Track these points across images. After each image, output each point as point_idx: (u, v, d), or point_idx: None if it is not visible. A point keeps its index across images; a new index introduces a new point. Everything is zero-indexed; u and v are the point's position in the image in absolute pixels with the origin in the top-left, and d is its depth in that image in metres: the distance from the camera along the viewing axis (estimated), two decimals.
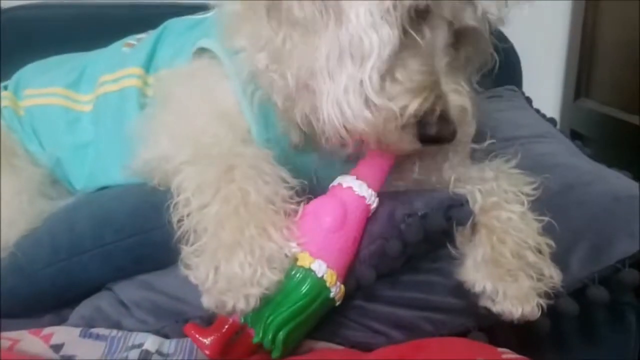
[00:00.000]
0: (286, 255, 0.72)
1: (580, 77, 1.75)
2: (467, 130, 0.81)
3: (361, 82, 0.73)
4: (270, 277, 0.69)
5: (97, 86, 1.11)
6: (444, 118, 0.73)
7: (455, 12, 0.75)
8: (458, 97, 0.77)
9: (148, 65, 1.09)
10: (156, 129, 0.91)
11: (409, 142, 0.75)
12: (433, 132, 0.73)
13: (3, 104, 1.15)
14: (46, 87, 1.15)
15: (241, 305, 0.67)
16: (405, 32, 0.74)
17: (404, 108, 0.73)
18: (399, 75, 0.74)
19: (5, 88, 1.20)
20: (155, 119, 0.93)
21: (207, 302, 0.69)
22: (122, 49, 1.16)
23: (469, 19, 0.76)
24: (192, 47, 0.97)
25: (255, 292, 0.67)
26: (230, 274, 0.68)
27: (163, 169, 0.84)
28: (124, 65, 1.10)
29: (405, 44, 0.75)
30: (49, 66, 1.23)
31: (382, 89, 0.74)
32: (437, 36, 0.76)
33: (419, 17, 0.75)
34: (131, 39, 1.18)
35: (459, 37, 0.80)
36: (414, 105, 0.72)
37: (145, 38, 1.14)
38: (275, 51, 0.79)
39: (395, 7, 0.72)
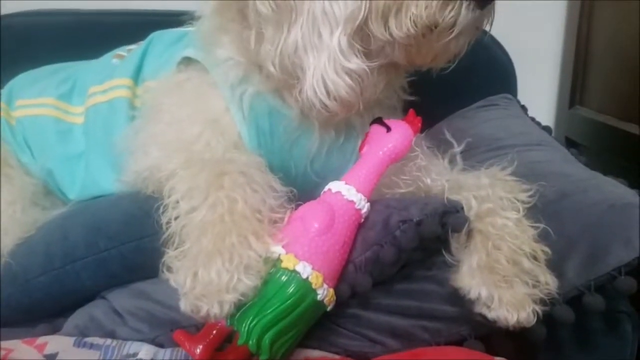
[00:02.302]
0: (267, 259, 0.73)
1: (575, 85, 1.75)
2: None
3: (334, 49, 0.76)
4: (246, 283, 0.69)
5: (87, 97, 1.12)
6: None
7: None
8: None
9: (136, 77, 1.09)
10: (145, 140, 0.92)
11: (465, 11, 0.76)
12: None
13: None
14: (38, 98, 1.15)
15: (215, 310, 0.68)
16: None
17: None
18: None
19: None
20: (144, 130, 0.94)
21: (184, 306, 0.70)
22: (111, 61, 1.16)
23: None
24: (177, 59, 0.99)
25: (230, 298, 0.68)
26: (207, 280, 0.69)
27: (156, 178, 0.85)
28: (113, 76, 1.10)
29: None
30: (41, 76, 1.23)
31: (357, 49, 0.78)
32: None
33: None
34: (121, 50, 1.19)
35: None
36: None
37: (134, 50, 1.15)
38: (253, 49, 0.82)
39: None
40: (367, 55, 0.81)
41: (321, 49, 0.78)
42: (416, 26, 0.78)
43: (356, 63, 0.79)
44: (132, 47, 1.16)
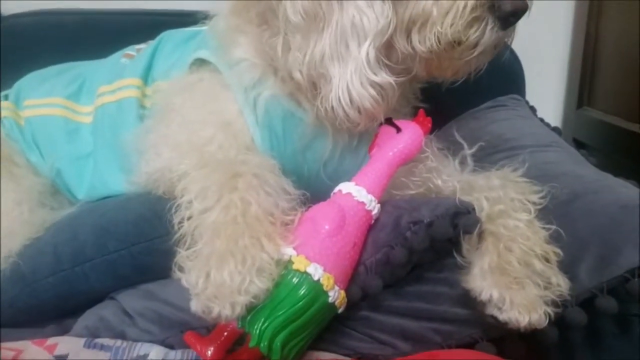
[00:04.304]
0: (279, 261, 0.73)
1: (583, 86, 1.75)
2: None
3: (361, 61, 0.77)
4: (258, 286, 0.69)
5: (96, 97, 1.12)
6: None
7: None
8: None
9: (146, 77, 1.09)
10: (156, 141, 0.92)
11: (489, 32, 0.78)
12: (508, 8, 0.77)
13: (4, 114, 1.15)
14: (46, 98, 1.15)
15: (227, 312, 0.68)
16: None
17: (467, 6, 0.75)
18: None
19: (6, 98, 1.19)
20: (155, 131, 0.94)
21: (195, 306, 0.70)
22: (121, 60, 1.16)
23: None
24: (188, 59, 0.99)
25: (242, 300, 0.68)
26: (219, 282, 0.69)
27: (167, 178, 0.85)
28: (122, 75, 1.10)
29: None
30: (49, 76, 1.23)
31: (386, 63, 0.79)
32: None
33: None
34: (130, 50, 1.19)
35: None
36: None
37: (143, 49, 1.15)
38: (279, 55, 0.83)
39: None
40: (391, 69, 0.81)
41: (348, 59, 0.79)
42: (439, 42, 0.79)
43: (382, 76, 0.80)
44: (141, 46, 1.16)
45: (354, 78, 0.79)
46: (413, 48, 0.81)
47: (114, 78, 1.11)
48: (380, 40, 0.78)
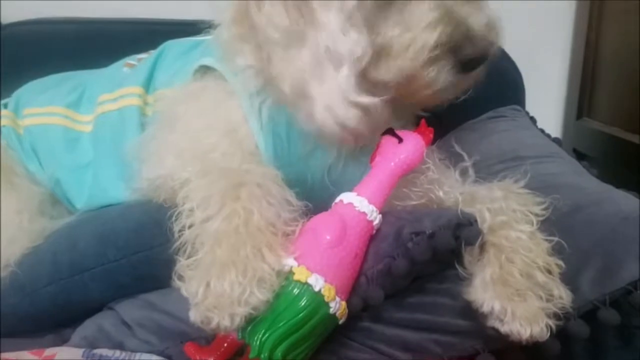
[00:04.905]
0: (280, 272, 0.72)
1: (583, 96, 1.75)
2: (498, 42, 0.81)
3: (341, 85, 0.77)
4: (258, 297, 0.69)
5: (97, 105, 1.12)
6: (471, 38, 0.76)
7: None
8: (478, 16, 0.78)
9: (147, 85, 1.09)
10: (159, 148, 0.92)
11: (446, 73, 0.78)
12: (466, 53, 0.76)
13: (3, 122, 1.15)
14: (46, 106, 1.15)
15: (226, 323, 0.67)
16: None
17: (426, 42, 0.75)
18: (411, 21, 0.76)
19: (5, 106, 1.19)
20: (158, 138, 0.94)
21: (194, 316, 0.69)
22: (122, 69, 1.17)
23: None
24: (192, 67, 0.99)
25: (242, 311, 0.68)
26: (219, 292, 0.68)
27: (169, 186, 0.85)
28: (124, 84, 1.10)
29: None
30: (49, 85, 1.23)
31: (367, 84, 0.79)
32: None
33: None
34: (131, 59, 1.19)
35: None
36: (433, 36, 0.75)
37: (145, 59, 1.15)
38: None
39: (357, 8, 0.75)
40: (372, 90, 0.81)
41: (326, 79, 0.78)
42: (399, 75, 0.79)
43: (364, 97, 0.79)
44: (143, 55, 1.17)
45: (335, 98, 0.78)
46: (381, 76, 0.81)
47: (115, 86, 1.11)
48: (358, 67, 0.78)
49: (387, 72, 0.80)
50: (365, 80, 0.80)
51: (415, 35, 0.76)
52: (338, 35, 0.76)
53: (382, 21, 0.77)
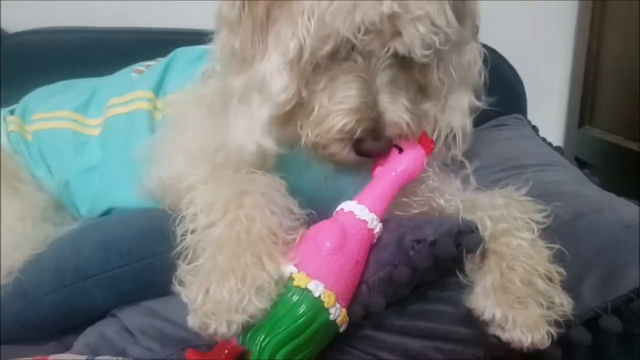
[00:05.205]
0: (279, 280, 0.73)
1: (584, 105, 1.75)
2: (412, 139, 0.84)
3: (256, 120, 0.79)
4: (256, 305, 0.69)
5: (106, 109, 1.13)
6: (376, 135, 0.79)
7: (375, 48, 0.77)
8: (394, 115, 0.80)
9: (157, 90, 1.10)
10: (171, 149, 0.93)
11: (346, 154, 0.81)
12: (364, 147, 0.80)
13: (10, 128, 1.16)
14: (54, 111, 1.16)
15: (223, 329, 0.68)
16: (342, 59, 0.78)
17: (333, 125, 0.78)
18: (332, 98, 0.79)
19: (12, 113, 1.20)
20: (169, 139, 0.95)
21: (192, 321, 0.70)
22: (131, 75, 1.18)
23: (400, 49, 0.77)
24: (200, 72, 0.99)
25: (239, 318, 0.68)
26: (218, 299, 0.69)
27: (176, 188, 0.86)
28: (134, 88, 1.11)
29: (342, 71, 0.79)
30: (57, 90, 1.24)
31: (279, 131, 0.81)
32: (370, 62, 0.79)
33: (336, 55, 0.78)
34: (140, 66, 1.20)
35: (404, 60, 0.80)
36: (341, 124, 0.78)
37: (155, 65, 1.16)
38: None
39: (298, 59, 0.76)
40: (279, 138, 0.82)
41: (246, 111, 0.80)
42: (306, 142, 0.81)
43: (268, 142, 0.80)
44: (151, 62, 1.18)
45: (245, 129, 0.80)
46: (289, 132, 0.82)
47: (125, 90, 1.12)
48: (278, 110, 0.79)
49: (295, 132, 0.82)
50: (279, 127, 0.82)
51: (328, 114, 0.79)
52: (274, 75, 0.78)
53: (314, 81, 0.79)
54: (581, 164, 1.60)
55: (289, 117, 0.81)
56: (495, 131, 1.39)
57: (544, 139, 1.35)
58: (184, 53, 1.14)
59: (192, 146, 0.91)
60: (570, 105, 1.82)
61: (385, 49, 0.77)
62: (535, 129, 1.42)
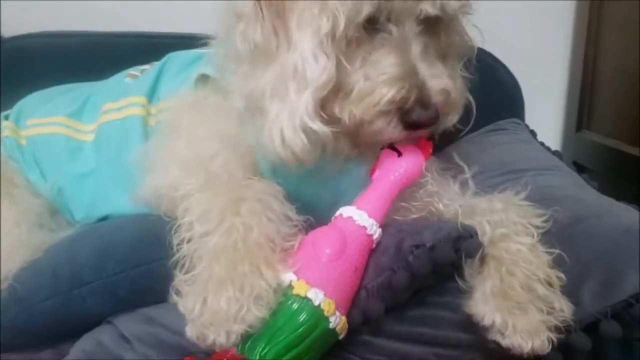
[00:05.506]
0: (278, 288, 0.72)
1: (582, 109, 1.75)
2: (453, 113, 0.86)
3: (299, 108, 0.77)
4: (255, 314, 0.69)
5: (100, 114, 1.12)
6: (424, 103, 0.78)
7: (410, 7, 0.78)
8: (438, 81, 0.80)
9: (151, 96, 1.09)
10: (165, 157, 0.92)
11: (392, 129, 0.80)
12: (414, 117, 0.78)
13: (4, 133, 1.15)
14: (48, 117, 1.15)
15: (221, 340, 0.67)
16: (375, 31, 0.79)
17: (382, 97, 0.78)
18: (373, 70, 0.79)
19: (7, 118, 1.19)
20: (163, 147, 0.94)
21: (190, 332, 0.70)
22: (125, 80, 1.17)
23: (429, 9, 0.79)
24: (193, 77, 0.99)
25: (238, 328, 0.68)
26: (216, 308, 0.68)
27: (171, 196, 0.85)
28: (128, 94, 1.11)
29: (377, 44, 0.79)
30: (51, 96, 1.23)
31: (323, 114, 0.79)
32: (404, 29, 0.79)
33: (372, 23, 0.78)
34: (134, 70, 1.19)
35: (432, 25, 0.82)
36: (390, 94, 0.77)
37: (148, 70, 1.15)
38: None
39: (332, 35, 0.76)
40: (327, 121, 0.81)
41: (285, 100, 0.79)
42: (349, 119, 0.81)
43: (319, 125, 0.79)
44: (145, 67, 1.17)
45: (288, 121, 0.78)
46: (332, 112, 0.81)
47: (119, 96, 1.11)
48: (320, 93, 0.78)
49: (340, 110, 0.81)
50: (321, 110, 0.80)
51: (373, 87, 0.78)
52: (308, 58, 0.77)
53: (349, 58, 0.79)
54: (579, 168, 1.60)
55: (324, 100, 0.80)
56: (493, 135, 1.38)
57: (542, 143, 1.35)
58: (176, 58, 1.14)
59: (186, 154, 0.90)
60: (568, 109, 1.82)
61: (418, 13, 0.78)
62: (533, 133, 1.42)
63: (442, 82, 0.80)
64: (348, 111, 0.80)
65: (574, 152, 1.77)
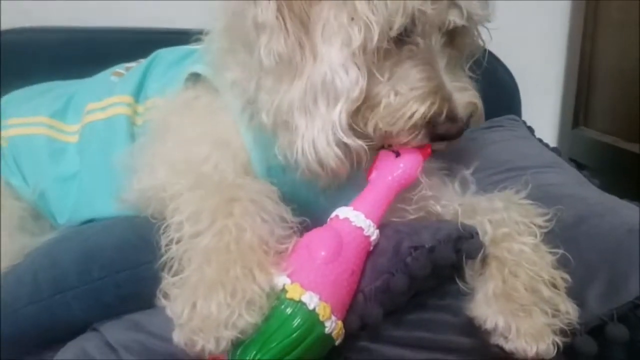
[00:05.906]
0: (271, 292, 0.70)
1: (578, 105, 1.76)
2: (478, 121, 0.88)
3: (332, 122, 0.76)
4: (247, 320, 0.66)
5: (85, 114, 1.10)
6: (453, 117, 0.80)
7: (441, 18, 0.79)
8: (464, 94, 0.82)
9: (137, 94, 1.07)
10: (151, 158, 0.89)
11: (419, 140, 0.81)
12: (442, 130, 0.80)
13: None
14: (30, 116, 1.13)
15: (210, 346, 0.65)
16: (402, 43, 0.79)
17: (413, 113, 0.79)
18: (403, 85, 0.79)
19: None
20: (150, 148, 0.91)
21: (178, 337, 0.67)
22: (110, 78, 1.15)
23: (457, 20, 0.80)
24: (184, 76, 0.97)
25: (228, 335, 0.65)
26: (205, 313, 0.66)
27: (159, 197, 0.83)
28: (113, 93, 1.09)
29: (403, 56, 0.80)
30: (33, 94, 1.20)
31: (353, 127, 0.79)
32: (431, 42, 0.80)
33: (402, 34, 0.78)
34: (120, 68, 1.17)
35: (452, 35, 0.83)
36: (422, 110, 0.79)
37: (134, 67, 1.13)
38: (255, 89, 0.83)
39: (364, 48, 0.75)
40: (359, 133, 0.80)
41: (315, 115, 0.77)
42: (375, 131, 0.81)
43: (353, 139, 0.78)
44: (132, 64, 1.15)
45: (321, 135, 0.77)
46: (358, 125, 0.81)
47: (103, 95, 1.09)
48: (353, 106, 0.77)
49: (363, 123, 0.80)
50: (357, 122, 0.80)
51: (403, 102, 0.79)
52: (339, 71, 0.75)
53: (379, 70, 0.78)
54: (576, 164, 1.60)
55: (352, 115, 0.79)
56: (491, 132, 1.37)
57: (540, 140, 1.34)
58: (163, 55, 1.12)
59: (176, 156, 0.88)
60: (565, 105, 1.82)
61: (446, 24, 0.78)
62: (531, 129, 1.42)
63: (468, 94, 0.82)
64: (374, 124, 0.80)
65: (570, 148, 1.78)
